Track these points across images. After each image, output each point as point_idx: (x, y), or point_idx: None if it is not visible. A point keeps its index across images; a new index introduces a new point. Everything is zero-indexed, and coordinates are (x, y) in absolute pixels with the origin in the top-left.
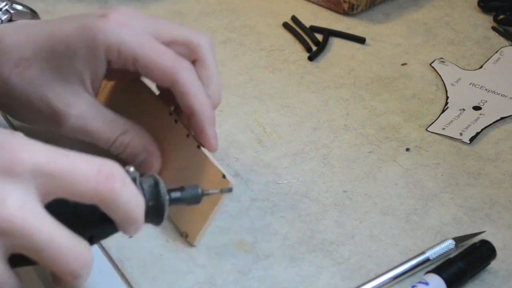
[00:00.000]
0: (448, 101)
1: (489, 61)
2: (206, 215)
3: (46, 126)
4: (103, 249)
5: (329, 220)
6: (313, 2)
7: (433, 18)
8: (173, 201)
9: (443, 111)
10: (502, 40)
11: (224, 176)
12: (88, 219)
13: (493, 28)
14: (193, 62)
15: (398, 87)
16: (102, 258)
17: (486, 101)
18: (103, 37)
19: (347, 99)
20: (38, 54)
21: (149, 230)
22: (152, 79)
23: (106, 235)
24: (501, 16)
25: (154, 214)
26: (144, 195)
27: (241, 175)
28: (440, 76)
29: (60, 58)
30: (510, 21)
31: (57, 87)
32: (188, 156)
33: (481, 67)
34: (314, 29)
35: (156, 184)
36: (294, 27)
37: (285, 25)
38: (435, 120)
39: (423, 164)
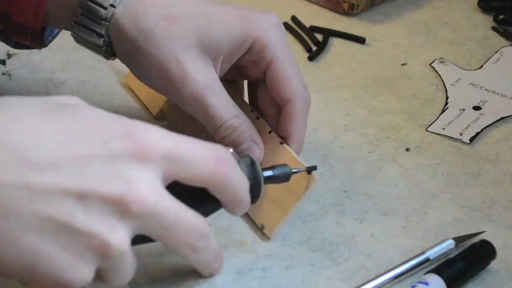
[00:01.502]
0: (448, 101)
1: (489, 61)
2: (287, 207)
3: (162, 88)
4: None
5: (329, 220)
6: (313, 2)
7: (433, 18)
8: (266, 179)
9: (443, 111)
10: (502, 40)
11: (308, 172)
12: (196, 199)
13: (493, 28)
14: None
15: (398, 87)
16: None
17: (486, 101)
18: (259, 27)
19: (347, 99)
20: (189, 16)
21: None
22: (272, 89)
23: (209, 213)
24: (501, 16)
25: (252, 192)
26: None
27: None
28: (440, 76)
29: (208, 28)
30: (510, 21)
31: (193, 52)
32: (271, 151)
33: (481, 67)
34: (314, 29)
35: (252, 164)
36: (294, 27)
37: (285, 25)
38: (435, 120)
39: (423, 164)
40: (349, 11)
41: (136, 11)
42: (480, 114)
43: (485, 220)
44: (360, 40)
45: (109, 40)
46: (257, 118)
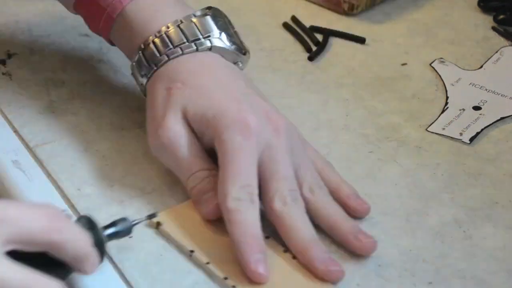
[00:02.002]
0: (448, 101)
1: (489, 61)
2: None
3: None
4: None
5: None
6: (313, 2)
7: (433, 18)
8: (108, 236)
9: (443, 111)
10: (502, 40)
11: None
12: (43, 266)
13: (493, 28)
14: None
15: (398, 87)
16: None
17: (486, 101)
18: (219, 123)
19: (347, 99)
20: (190, 86)
21: (149, 231)
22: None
23: (64, 276)
24: (501, 16)
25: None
26: None
27: None
28: (440, 76)
29: (194, 110)
30: (510, 21)
31: (177, 114)
32: (286, 269)
33: (481, 67)
34: (314, 29)
35: (90, 222)
36: (294, 27)
37: (285, 25)
38: (435, 120)
39: (423, 164)
40: (349, 11)
41: (160, 76)
42: (480, 114)
43: (485, 220)
44: (360, 40)
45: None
46: (267, 237)
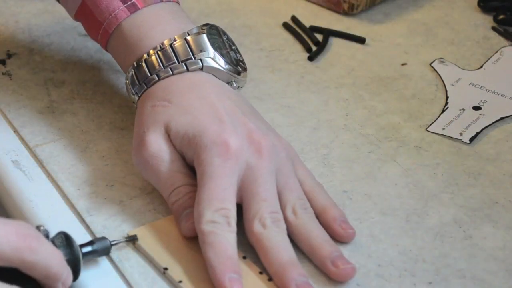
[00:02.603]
0: (448, 101)
1: (489, 61)
2: None
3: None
4: None
5: None
6: (313, 2)
7: (433, 18)
8: (85, 255)
9: (443, 111)
10: (502, 40)
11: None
12: (15, 282)
13: (493, 28)
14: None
15: (398, 87)
16: (102, 258)
17: (486, 101)
18: (200, 145)
19: (347, 99)
20: (177, 104)
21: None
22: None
23: None
24: (501, 16)
25: (71, 268)
26: None
27: None
28: (440, 76)
29: (176, 128)
30: (510, 21)
31: (160, 130)
32: None
33: (481, 67)
34: (314, 29)
35: (67, 239)
36: (294, 27)
37: (285, 25)
38: (435, 120)
39: (423, 164)
40: (349, 11)
41: (149, 95)
42: (480, 114)
43: (485, 220)
44: (360, 40)
45: None
46: (244, 258)
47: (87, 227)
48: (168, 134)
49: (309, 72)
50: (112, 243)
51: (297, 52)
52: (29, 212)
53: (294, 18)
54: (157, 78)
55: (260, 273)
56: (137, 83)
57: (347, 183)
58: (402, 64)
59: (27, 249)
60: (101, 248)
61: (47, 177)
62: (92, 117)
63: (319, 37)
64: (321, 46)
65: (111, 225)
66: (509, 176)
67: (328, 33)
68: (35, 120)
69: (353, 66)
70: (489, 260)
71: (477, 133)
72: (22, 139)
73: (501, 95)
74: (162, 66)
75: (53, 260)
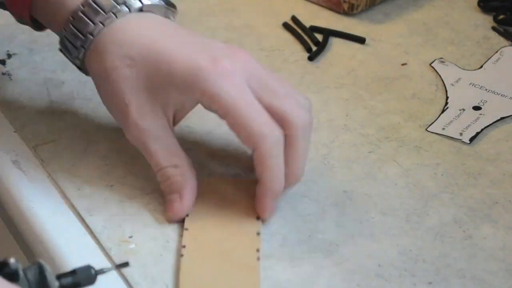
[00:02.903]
0: (448, 101)
1: (489, 61)
2: None
3: (118, 123)
4: (103, 249)
5: (329, 220)
6: (313, 2)
7: (433, 18)
8: (64, 287)
9: (443, 111)
10: (502, 40)
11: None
12: None
13: (493, 28)
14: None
15: (398, 87)
16: (102, 258)
17: (486, 101)
18: (203, 81)
19: (347, 99)
20: (143, 60)
21: (149, 230)
22: (237, 135)
23: None
24: (501, 16)
25: None
26: (29, 286)
27: (242, 176)
28: (440, 76)
29: (158, 76)
30: (510, 21)
31: (142, 98)
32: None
33: (481, 67)
34: (314, 29)
35: (41, 272)
36: (294, 27)
37: (285, 25)
38: (435, 120)
39: (423, 164)
40: (349, 11)
41: (99, 49)
42: (480, 114)
43: (485, 220)
44: (360, 40)
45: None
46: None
47: (87, 227)
48: (151, 97)
49: (309, 72)
50: (98, 271)
51: (297, 52)
52: (29, 212)
53: (294, 18)
54: (102, 26)
55: (257, 250)
56: (80, 35)
57: (347, 183)
58: (402, 64)
59: None
60: (83, 278)
61: (47, 177)
62: (92, 117)
63: (319, 37)
64: (321, 46)
65: (111, 225)
66: (509, 176)
67: (328, 33)
68: (35, 120)
69: (353, 66)
70: (489, 260)
71: (477, 133)
72: (22, 139)
73: (501, 95)
74: (104, 12)
75: None
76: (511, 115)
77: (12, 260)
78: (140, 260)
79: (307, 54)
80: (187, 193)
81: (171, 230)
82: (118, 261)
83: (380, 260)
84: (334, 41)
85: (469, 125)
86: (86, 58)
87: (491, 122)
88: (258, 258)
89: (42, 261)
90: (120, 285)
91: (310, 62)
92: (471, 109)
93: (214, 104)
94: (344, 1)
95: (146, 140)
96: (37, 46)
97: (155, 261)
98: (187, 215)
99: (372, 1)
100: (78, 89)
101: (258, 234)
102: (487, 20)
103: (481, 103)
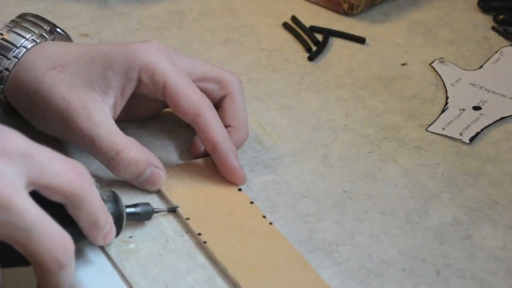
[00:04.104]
0: (448, 101)
1: (489, 61)
2: None
3: (61, 132)
4: (103, 249)
5: (329, 220)
6: (313, 2)
7: (433, 18)
8: (128, 215)
9: (443, 111)
10: (502, 40)
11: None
12: (57, 220)
13: (493, 28)
14: (223, 97)
15: (398, 87)
16: (102, 258)
17: (486, 101)
18: (142, 55)
19: (347, 99)
20: (75, 61)
21: (148, 230)
22: (177, 108)
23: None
24: (501, 16)
25: (114, 223)
26: (105, 204)
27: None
28: (440, 76)
29: (94, 66)
30: (510, 21)
31: (81, 91)
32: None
33: (481, 67)
34: (314, 29)
35: (115, 196)
36: (294, 27)
37: (285, 25)
38: (435, 120)
39: (423, 164)
40: (349, 11)
41: (27, 66)
42: (480, 114)
43: (485, 220)
44: (360, 40)
45: (5, 100)
46: (251, 202)
47: None
48: (96, 90)
49: (309, 72)
50: (155, 210)
51: (297, 52)
52: None
53: (294, 18)
54: (16, 60)
55: (263, 217)
56: (5, 57)
57: (347, 183)
58: (402, 64)
59: (80, 186)
60: (143, 212)
61: None
62: None
63: (319, 37)
64: (321, 46)
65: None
66: (509, 176)
67: (328, 33)
68: None
69: (353, 66)
70: (489, 260)
71: (477, 133)
72: None
73: (501, 95)
74: (15, 47)
75: (99, 208)
76: (511, 115)
77: (93, 181)
78: (140, 260)
79: (307, 54)
80: (157, 161)
81: (171, 230)
82: (118, 260)
83: (380, 260)
84: (334, 41)
85: (469, 125)
86: (7, 90)
87: (491, 122)
88: (271, 223)
89: (114, 190)
90: (120, 285)
91: (310, 62)
92: (471, 109)
93: (155, 77)
94: (344, 1)
95: (92, 128)
96: None
97: (155, 261)
98: (177, 207)
99: (372, 1)
100: None
101: (252, 203)
102: (487, 20)
103: (481, 103)
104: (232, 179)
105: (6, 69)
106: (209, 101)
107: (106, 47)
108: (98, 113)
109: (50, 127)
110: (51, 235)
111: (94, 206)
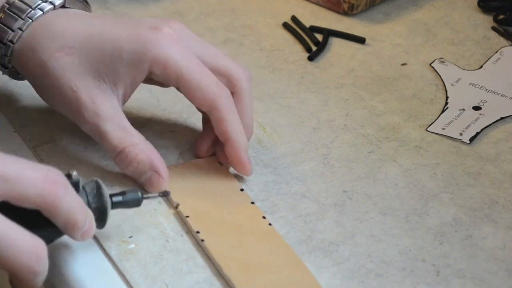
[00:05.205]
0: (448, 101)
1: (489, 61)
2: None
3: (72, 118)
4: (103, 249)
5: (329, 220)
6: (313, 2)
7: (433, 18)
8: (115, 204)
9: (443, 111)
10: (502, 40)
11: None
12: (32, 223)
13: (493, 28)
14: (231, 93)
15: (398, 87)
16: (102, 258)
17: (486, 101)
18: (153, 48)
19: (347, 99)
20: (83, 45)
21: (148, 230)
22: (192, 100)
23: (50, 239)
24: (501, 16)
25: (97, 217)
26: (87, 197)
27: (241, 175)
28: (440, 76)
29: (103, 55)
30: (510, 21)
31: (89, 81)
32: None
33: (481, 67)
34: (314, 29)
35: (98, 187)
36: (294, 27)
37: (285, 25)
38: (435, 120)
39: (423, 164)
40: (349, 11)
41: (32, 45)
42: (480, 114)
43: (485, 220)
44: (360, 40)
45: (14, 69)
46: (252, 203)
47: None
48: (104, 80)
49: (309, 72)
50: (144, 196)
51: (297, 52)
52: None
53: (294, 18)
54: (30, 21)
55: (263, 217)
56: (19, 18)
57: (347, 183)
58: (402, 64)
59: (52, 196)
60: (131, 200)
61: None
62: None
63: (319, 37)
64: (321, 46)
65: (111, 225)
66: (509, 176)
67: (328, 33)
68: (35, 120)
69: (353, 66)
70: (489, 260)
71: (477, 133)
72: (22, 139)
73: (501, 95)
74: (21, 16)
75: (76, 210)
76: (511, 115)
77: (74, 173)
78: (140, 260)
79: (307, 54)
80: (159, 165)
81: (171, 230)
82: (118, 260)
83: (380, 260)
84: (334, 41)
85: (469, 125)
86: (15, 62)
87: (491, 122)
88: (270, 224)
89: (99, 180)
90: (120, 285)
91: (310, 62)
92: (471, 109)
93: (167, 70)
94: (344, 1)
95: (99, 123)
96: None
97: (155, 261)
98: (179, 204)
99: (372, 1)
100: None
101: (252, 203)
102: (487, 20)
103: (481, 103)
104: (238, 170)
105: (20, 28)
106: (225, 89)
107: (117, 32)
108: (106, 108)
109: (60, 109)
110: (20, 246)
111: (70, 210)
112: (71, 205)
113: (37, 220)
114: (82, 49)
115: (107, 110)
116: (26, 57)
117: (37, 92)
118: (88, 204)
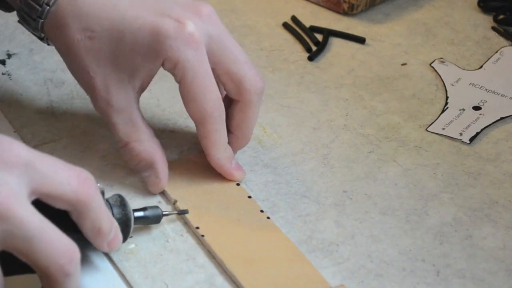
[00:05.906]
0: (448, 101)
1: (489, 61)
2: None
3: (88, 95)
4: None
5: (329, 220)
6: (313, 2)
7: (433, 18)
8: (137, 219)
9: (443, 111)
10: (502, 40)
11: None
12: (61, 227)
13: (493, 28)
14: (237, 101)
15: (398, 87)
16: (102, 258)
17: (486, 101)
18: (168, 47)
19: (347, 99)
20: (104, 30)
21: (149, 230)
22: (185, 106)
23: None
24: (501, 16)
25: (121, 229)
26: (111, 209)
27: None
28: (440, 76)
29: (123, 44)
30: (510, 21)
31: (107, 69)
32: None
33: (481, 67)
34: (314, 29)
35: (122, 200)
36: (294, 27)
37: (285, 25)
38: (435, 120)
39: (423, 164)
40: (349, 11)
41: (59, 23)
42: (480, 114)
43: (485, 220)
44: (360, 40)
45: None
46: (249, 197)
47: None
48: (122, 70)
49: (309, 72)
50: (164, 213)
51: (297, 52)
52: None
53: (294, 18)
54: None
55: (261, 211)
56: (37, 6)
57: (347, 183)
58: (402, 64)
59: (85, 194)
60: (152, 216)
61: None
62: (92, 117)
63: (319, 37)
64: (321, 46)
65: None
66: (509, 176)
67: (328, 33)
68: (35, 120)
69: (353, 66)
70: (489, 260)
71: (477, 133)
72: (22, 139)
73: (501, 95)
74: None
75: (103, 215)
76: (511, 115)
77: (99, 184)
78: (140, 260)
79: (307, 54)
80: (160, 167)
81: (171, 230)
82: (118, 260)
83: (380, 260)
84: (334, 41)
85: (469, 125)
86: (46, 30)
87: (491, 122)
88: (268, 218)
89: (121, 195)
90: (120, 285)
91: (310, 62)
92: (471, 109)
93: (175, 71)
94: (344, 1)
95: (110, 113)
96: (37, 46)
97: (155, 261)
98: (176, 200)
99: (372, 1)
100: (78, 89)
101: (249, 197)
102: (487, 20)
103: (481, 103)
104: (228, 179)
105: (47, 3)
106: (220, 107)
107: (140, 21)
108: (120, 99)
109: (81, 86)
110: (54, 244)
111: (98, 213)
112: (99, 208)
113: (64, 224)
114: (103, 34)
115: (119, 101)
116: (53, 31)
117: (66, 64)
118: (112, 216)
